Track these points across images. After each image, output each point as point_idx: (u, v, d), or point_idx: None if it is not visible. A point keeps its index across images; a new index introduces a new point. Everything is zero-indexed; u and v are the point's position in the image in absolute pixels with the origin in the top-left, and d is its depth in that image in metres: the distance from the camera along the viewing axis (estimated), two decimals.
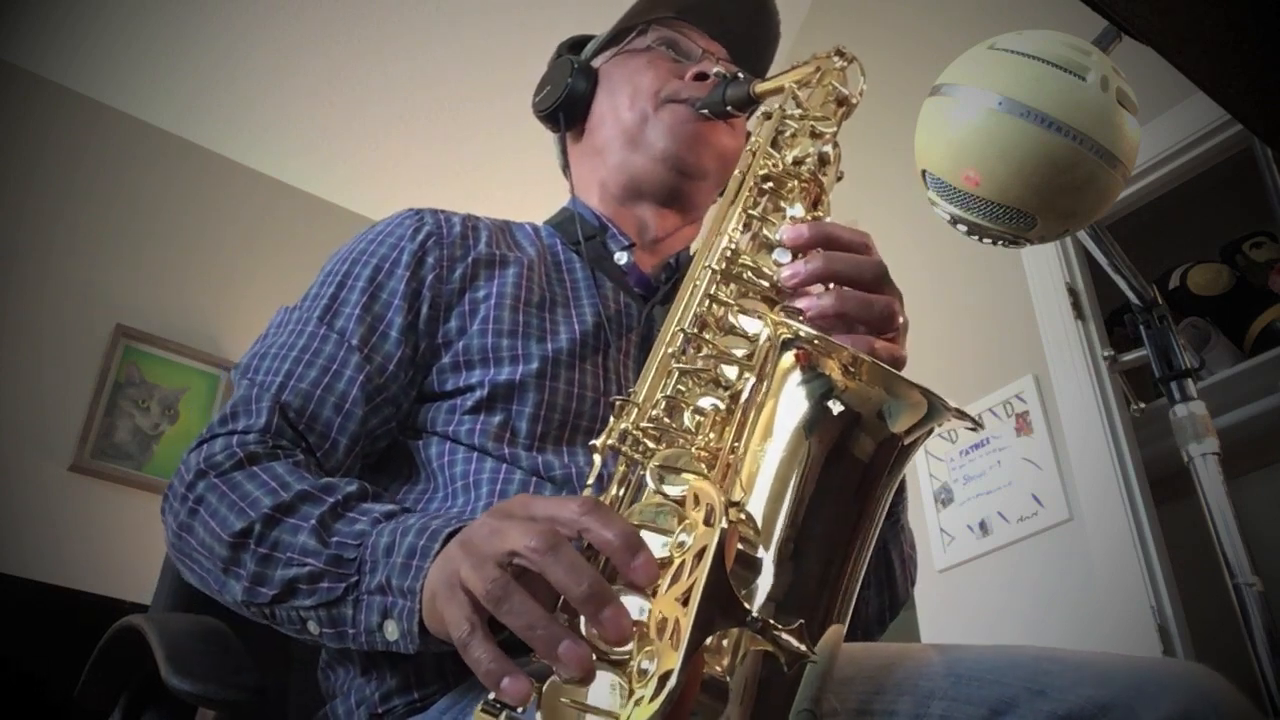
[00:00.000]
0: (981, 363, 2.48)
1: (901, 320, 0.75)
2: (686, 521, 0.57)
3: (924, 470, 2.50)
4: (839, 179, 0.88)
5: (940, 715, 0.61)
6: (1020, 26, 0.86)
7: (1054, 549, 2.17)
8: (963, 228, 0.88)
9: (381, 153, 3.53)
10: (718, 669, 0.52)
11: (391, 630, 0.66)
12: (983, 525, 2.32)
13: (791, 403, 0.62)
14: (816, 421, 0.61)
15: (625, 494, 0.63)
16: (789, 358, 0.63)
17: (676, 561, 0.54)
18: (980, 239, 0.89)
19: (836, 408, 0.61)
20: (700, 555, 0.51)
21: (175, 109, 3.31)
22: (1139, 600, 1.97)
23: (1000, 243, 0.89)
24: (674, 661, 0.47)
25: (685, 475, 0.61)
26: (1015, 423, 2.34)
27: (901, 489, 0.90)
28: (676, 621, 0.50)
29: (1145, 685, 0.56)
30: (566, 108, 1.09)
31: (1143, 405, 1.39)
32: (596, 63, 1.12)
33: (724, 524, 0.51)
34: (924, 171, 0.88)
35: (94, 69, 3.16)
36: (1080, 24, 0.93)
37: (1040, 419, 2.29)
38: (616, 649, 0.52)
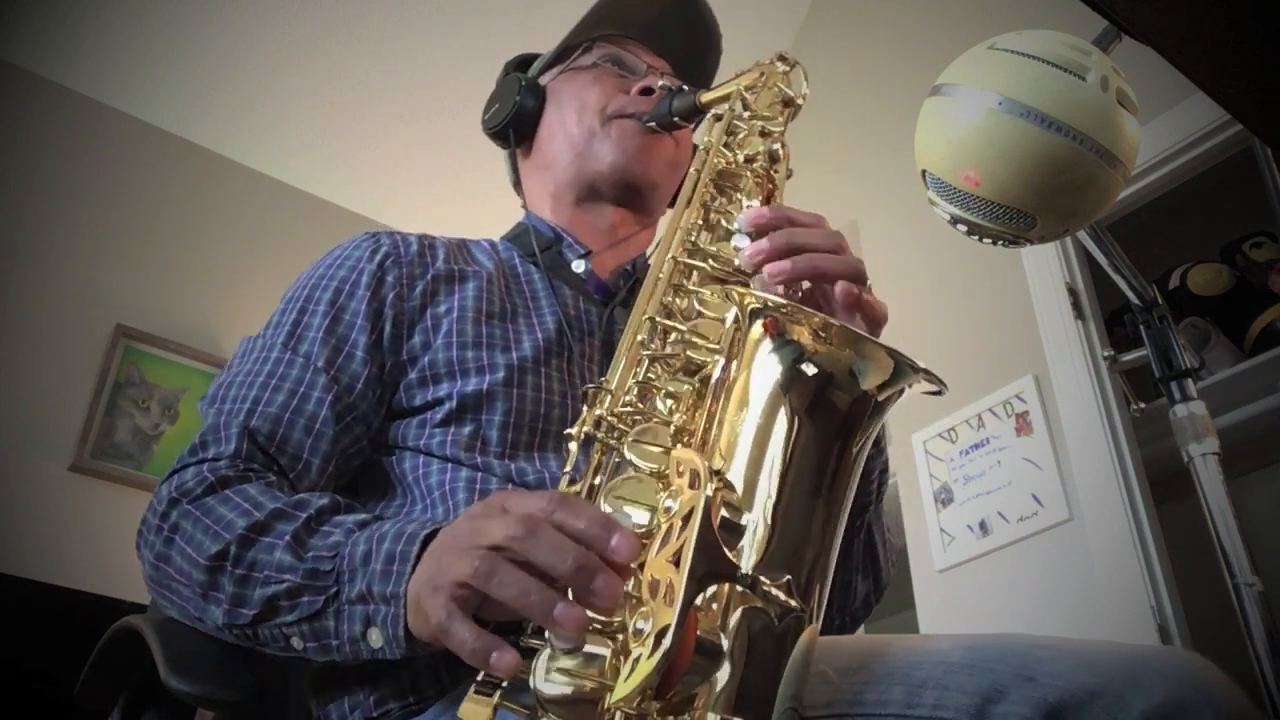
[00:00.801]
0: (981, 363, 2.48)
1: (868, 280, 0.77)
2: (672, 488, 0.58)
3: (924, 470, 2.50)
4: (789, 177, 0.90)
5: (933, 704, 0.61)
6: (1020, 26, 0.87)
7: (1054, 549, 2.17)
8: (963, 228, 0.88)
9: (381, 153, 3.53)
10: (709, 629, 0.53)
11: (375, 638, 0.66)
12: (983, 525, 2.32)
13: (764, 371, 0.63)
14: (790, 385, 0.62)
15: (603, 481, 0.64)
16: (758, 328, 0.64)
17: (664, 527, 0.55)
18: (980, 239, 0.89)
19: (809, 370, 0.62)
20: (688, 517, 0.52)
21: (175, 109, 3.31)
22: (1139, 600, 1.97)
23: (1000, 243, 0.89)
24: (670, 618, 0.48)
25: (659, 449, 0.62)
26: (1015, 423, 2.34)
27: (884, 463, 0.91)
28: (669, 582, 0.50)
29: (1138, 672, 0.56)
30: (515, 124, 1.10)
31: (1143, 405, 1.39)
32: (544, 80, 1.13)
33: (709, 489, 0.52)
34: (924, 171, 0.89)
35: (94, 69, 3.16)
36: (1080, 24, 0.93)
37: (1040, 419, 2.29)
38: (607, 620, 0.53)
